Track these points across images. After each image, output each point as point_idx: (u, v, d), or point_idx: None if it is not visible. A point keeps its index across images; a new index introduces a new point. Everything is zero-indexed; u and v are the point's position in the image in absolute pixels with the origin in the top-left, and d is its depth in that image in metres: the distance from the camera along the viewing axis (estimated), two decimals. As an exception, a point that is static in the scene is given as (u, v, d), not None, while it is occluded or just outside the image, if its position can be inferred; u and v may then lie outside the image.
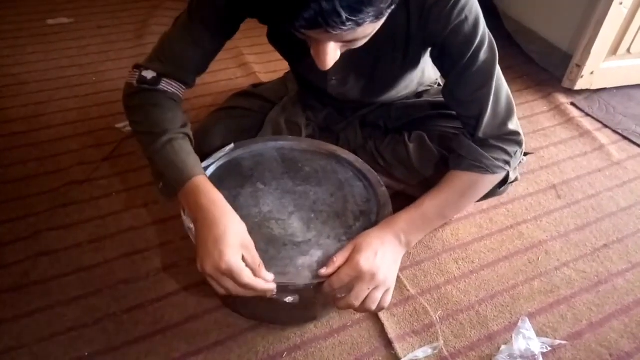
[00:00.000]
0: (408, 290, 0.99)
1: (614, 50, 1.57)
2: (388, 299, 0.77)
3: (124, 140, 1.32)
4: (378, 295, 0.75)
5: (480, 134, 0.83)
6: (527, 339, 0.89)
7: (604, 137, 1.46)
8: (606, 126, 1.51)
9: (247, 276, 0.69)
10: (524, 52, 1.85)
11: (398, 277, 1.01)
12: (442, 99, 1.04)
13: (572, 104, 1.60)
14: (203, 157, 0.94)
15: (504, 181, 0.89)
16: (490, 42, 0.79)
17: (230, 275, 0.68)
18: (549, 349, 0.90)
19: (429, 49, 0.86)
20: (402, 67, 0.90)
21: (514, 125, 0.84)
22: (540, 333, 0.92)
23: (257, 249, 0.79)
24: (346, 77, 0.94)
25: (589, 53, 1.53)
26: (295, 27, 0.56)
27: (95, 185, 1.18)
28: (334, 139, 1.09)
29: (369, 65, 0.89)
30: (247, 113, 1.09)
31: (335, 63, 0.66)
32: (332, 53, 0.63)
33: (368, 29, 0.61)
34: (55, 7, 2.00)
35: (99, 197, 1.15)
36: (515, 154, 0.85)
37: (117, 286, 0.96)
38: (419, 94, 1.11)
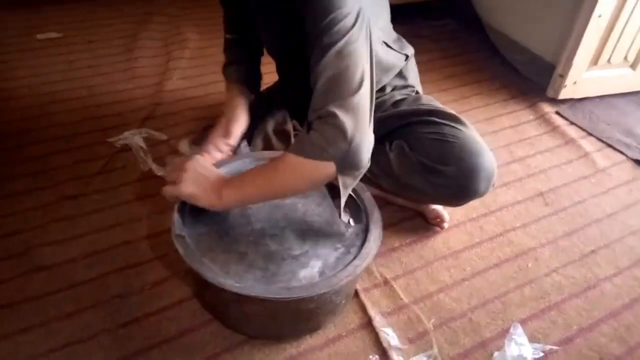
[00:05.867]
0: (401, 299, 1.00)
1: (595, 61, 1.62)
2: (173, 190, 0.85)
3: (115, 154, 1.33)
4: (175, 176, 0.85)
5: (310, 108, 0.78)
6: (519, 344, 0.90)
7: (588, 144, 1.50)
8: (590, 134, 1.55)
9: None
10: (509, 62, 1.89)
11: (391, 286, 1.03)
12: (420, 107, 1.07)
13: (557, 112, 1.63)
14: None
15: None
16: (356, 21, 0.75)
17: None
18: (541, 354, 0.92)
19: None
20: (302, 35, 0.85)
21: (340, 109, 0.73)
22: (532, 339, 0.94)
23: (256, 267, 0.80)
24: (268, 38, 1.02)
25: (571, 64, 1.57)
26: None
27: (88, 200, 1.18)
28: None
29: (267, 24, 0.96)
30: None
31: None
32: None
33: None
34: (44, 22, 2.00)
35: (92, 212, 1.15)
36: (334, 139, 0.73)
37: (112, 301, 0.96)
38: (395, 103, 1.12)
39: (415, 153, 1.01)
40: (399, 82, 1.14)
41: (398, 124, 1.08)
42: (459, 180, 0.97)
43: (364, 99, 0.75)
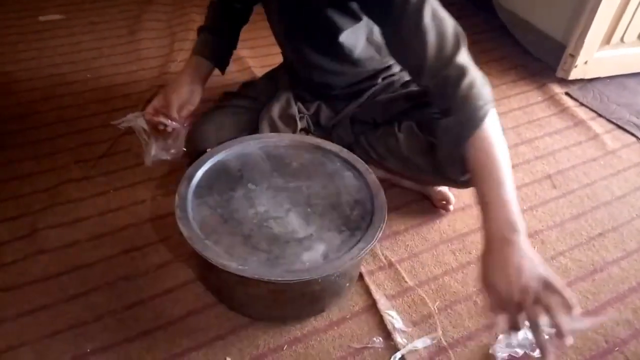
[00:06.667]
0: (406, 281, 1.00)
1: (607, 40, 1.58)
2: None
3: (120, 137, 1.32)
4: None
5: (429, 69, 0.79)
6: (524, 327, 0.89)
7: (598, 126, 1.47)
8: (600, 115, 1.52)
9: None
10: (519, 42, 1.85)
11: (396, 269, 1.02)
12: None
13: (567, 93, 1.60)
14: (197, 155, 0.95)
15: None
16: None
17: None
18: (546, 337, 0.91)
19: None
20: (334, 16, 0.86)
21: (466, 58, 0.82)
22: (537, 321, 0.93)
23: (260, 249, 0.80)
24: (291, 31, 0.99)
25: (582, 43, 1.54)
26: None
27: (92, 183, 1.18)
28: (327, 137, 1.10)
29: (296, 9, 0.93)
30: (239, 110, 1.10)
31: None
32: None
33: None
34: (46, 3, 1.98)
35: (97, 195, 1.15)
36: (482, 87, 0.82)
37: (117, 283, 0.97)
38: (404, 84, 1.11)
39: (424, 133, 1.00)
40: None
41: (407, 105, 1.07)
42: None
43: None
